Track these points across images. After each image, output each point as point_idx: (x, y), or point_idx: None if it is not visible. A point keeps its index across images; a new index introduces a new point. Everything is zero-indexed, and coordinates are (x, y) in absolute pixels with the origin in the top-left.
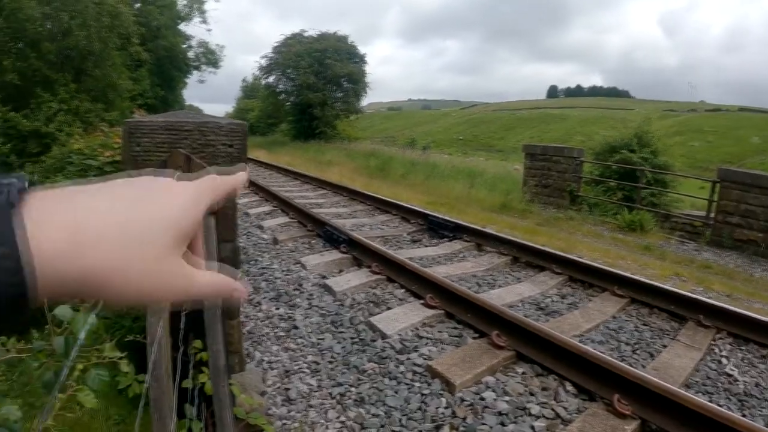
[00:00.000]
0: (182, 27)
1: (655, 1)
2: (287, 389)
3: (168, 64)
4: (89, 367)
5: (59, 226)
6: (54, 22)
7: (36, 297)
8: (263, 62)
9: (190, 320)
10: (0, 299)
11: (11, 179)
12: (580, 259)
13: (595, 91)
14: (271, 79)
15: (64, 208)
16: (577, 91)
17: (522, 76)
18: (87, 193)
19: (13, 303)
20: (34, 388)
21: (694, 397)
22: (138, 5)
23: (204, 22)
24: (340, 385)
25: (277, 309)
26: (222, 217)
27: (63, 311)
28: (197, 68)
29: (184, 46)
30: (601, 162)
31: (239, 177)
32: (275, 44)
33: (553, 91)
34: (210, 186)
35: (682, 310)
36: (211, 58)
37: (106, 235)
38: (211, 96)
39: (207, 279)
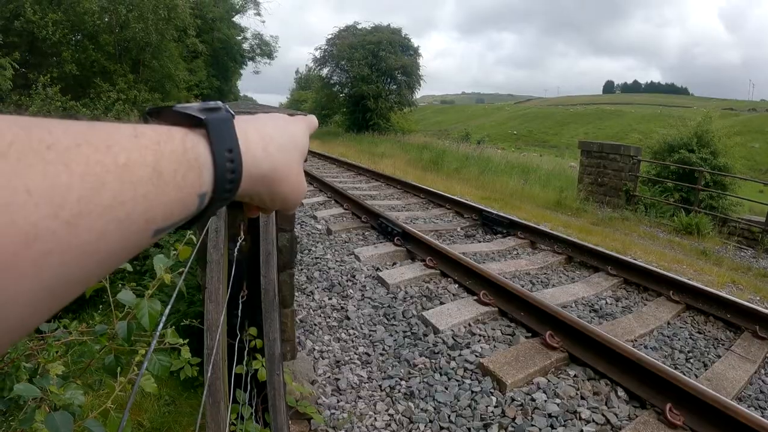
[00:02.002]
0: (237, 19)
1: None
2: (337, 379)
3: (223, 55)
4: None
5: (256, 140)
6: (112, 15)
7: (237, 191)
8: (317, 54)
9: (246, 307)
10: (222, 191)
11: (216, 103)
12: (635, 262)
13: (652, 87)
14: (325, 70)
15: (253, 128)
16: (634, 87)
17: (579, 71)
18: (260, 120)
19: (226, 195)
20: (91, 371)
21: (747, 411)
22: None
23: (258, 14)
24: (390, 377)
25: (330, 299)
26: None
27: (126, 296)
28: (252, 59)
29: (239, 37)
30: (658, 161)
31: (313, 118)
32: (329, 36)
33: (609, 87)
34: (308, 120)
35: (739, 319)
36: (265, 49)
37: (280, 148)
38: (265, 87)
39: None
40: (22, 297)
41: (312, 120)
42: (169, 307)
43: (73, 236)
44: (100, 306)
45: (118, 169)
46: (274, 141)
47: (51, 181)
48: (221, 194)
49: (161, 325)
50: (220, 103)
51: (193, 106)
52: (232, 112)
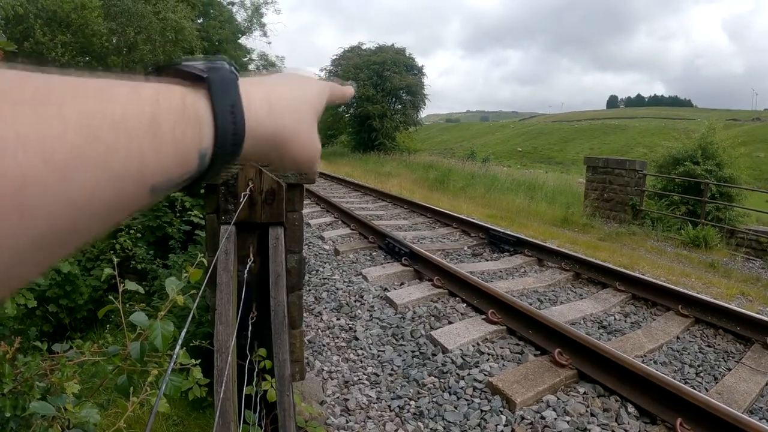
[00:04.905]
0: (243, 40)
1: (720, 4)
2: (346, 400)
3: None
4: (163, 372)
5: (260, 100)
6: (120, 37)
7: (241, 151)
8: (322, 75)
9: (256, 329)
10: (226, 147)
11: (222, 61)
12: (643, 277)
13: (656, 101)
14: None
15: (258, 89)
16: (637, 101)
17: (583, 87)
18: (269, 80)
19: (231, 152)
20: (101, 391)
21: (759, 423)
22: (200, 20)
23: (264, 35)
24: (399, 397)
25: (338, 320)
26: (290, 231)
27: (139, 317)
28: None
29: (245, 59)
30: (664, 175)
31: (348, 89)
32: (334, 57)
33: (613, 101)
34: (330, 86)
35: (748, 331)
36: (271, 69)
37: (289, 107)
38: None
39: None
40: (6, 240)
41: (333, 85)
42: (185, 329)
43: (64, 186)
44: (107, 326)
45: (114, 121)
46: (282, 100)
47: (43, 128)
48: (224, 152)
49: (178, 346)
50: (225, 61)
51: (197, 64)
52: (236, 71)
